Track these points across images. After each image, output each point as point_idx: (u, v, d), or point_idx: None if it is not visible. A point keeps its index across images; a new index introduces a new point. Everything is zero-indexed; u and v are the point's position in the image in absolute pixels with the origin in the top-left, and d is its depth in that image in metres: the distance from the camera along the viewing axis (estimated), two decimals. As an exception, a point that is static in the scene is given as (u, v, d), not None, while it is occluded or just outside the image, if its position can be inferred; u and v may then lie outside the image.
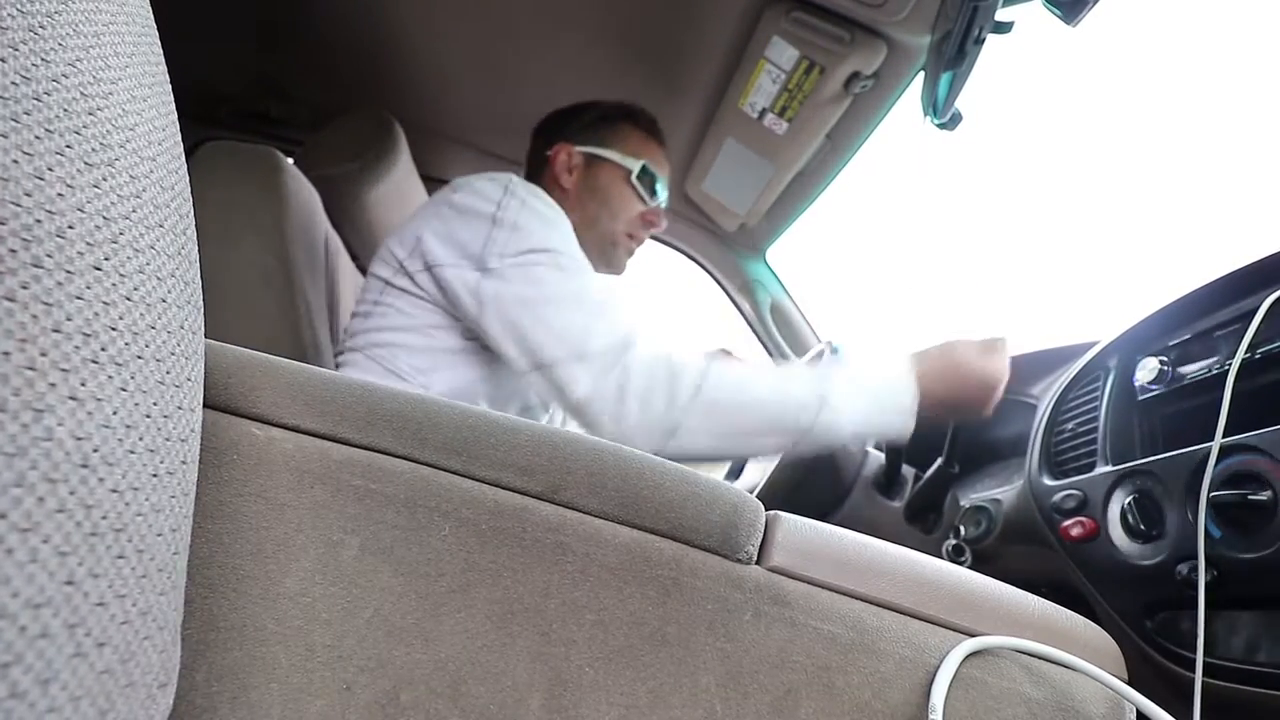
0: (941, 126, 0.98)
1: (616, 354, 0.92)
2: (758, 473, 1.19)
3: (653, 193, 1.23)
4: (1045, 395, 1.01)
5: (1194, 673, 0.63)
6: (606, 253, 1.24)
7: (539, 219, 1.01)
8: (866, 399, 0.94)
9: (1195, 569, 0.61)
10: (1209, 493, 0.63)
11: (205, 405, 0.41)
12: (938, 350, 0.99)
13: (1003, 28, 0.86)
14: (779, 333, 1.77)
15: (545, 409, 1.24)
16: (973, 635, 0.47)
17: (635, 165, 1.21)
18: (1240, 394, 0.65)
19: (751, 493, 0.92)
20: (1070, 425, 0.91)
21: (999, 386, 0.97)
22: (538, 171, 1.25)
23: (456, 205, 1.03)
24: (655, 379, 0.91)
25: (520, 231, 0.99)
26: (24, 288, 0.23)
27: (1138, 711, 0.47)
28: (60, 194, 0.25)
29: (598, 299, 0.96)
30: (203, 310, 0.37)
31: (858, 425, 0.94)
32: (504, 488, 0.44)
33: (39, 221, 0.24)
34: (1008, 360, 0.98)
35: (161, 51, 0.36)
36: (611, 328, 0.94)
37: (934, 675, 0.45)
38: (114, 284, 0.27)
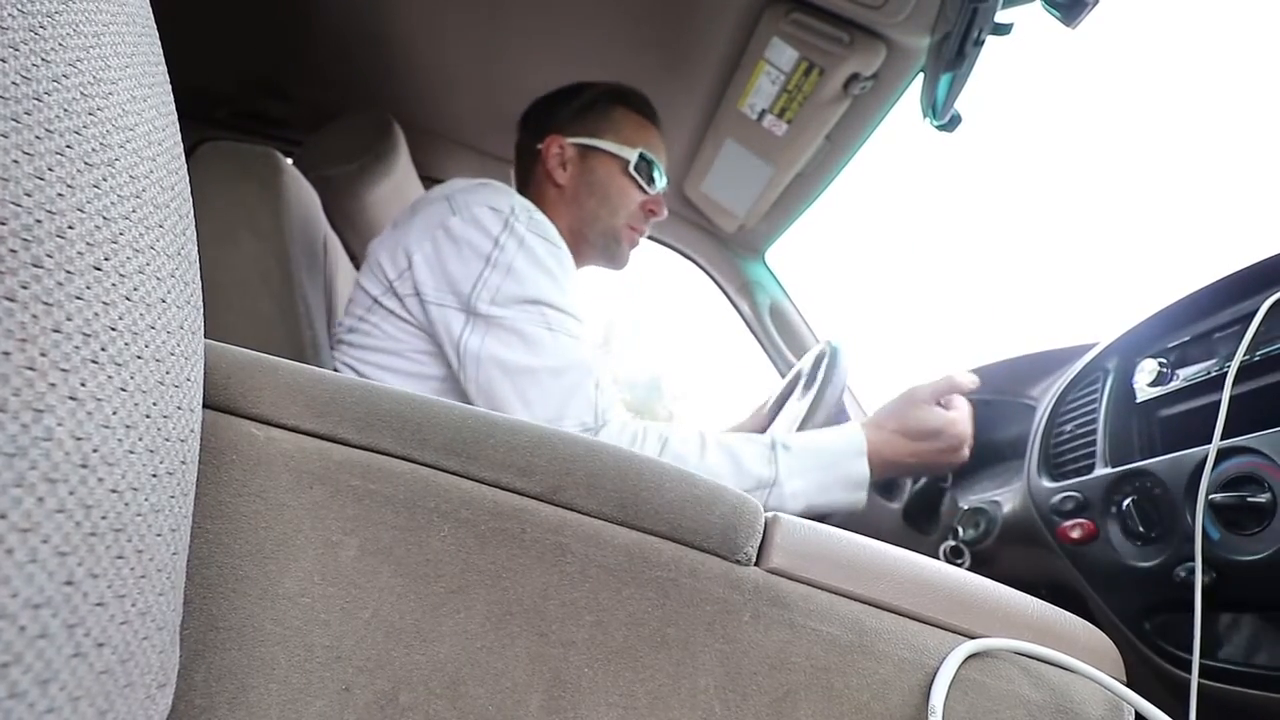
0: (941, 128, 0.98)
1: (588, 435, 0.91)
2: None
3: (651, 180, 1.18)
4: (1044, 397, 1.01)
5: (1189, 674, 0.63)
6: (609, 249, 1.20)
7: (536, 265, 0.97)
8: (818, 476, 0.94)
9: (1193, 570, 0.62)
10: (1208, 495, 0.63)
11: (204, 405, 0.41)
12: (890, 412, 0.99)
13: (1002, 29, 0.86)
14: (778, 334, 1.77)
15: None
16: (972, 637, 0.47)
17: (632, 155, 1.15)
18: (1240, 396, 0.66)
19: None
20: (1069, 427, 0.91)
21: (956, 436, 0.97)
22: (529, 166, 1.21)
23: (453, 234, 0.98)
24: None
25: (514, 276, 0.95)
26: (24, 288, 0.23)
27: (1136, 713, 0.47)
28: (60, 194, 0.25)
29: (577, 366, 0.94)
30: (202, 310, 0.37)
31: (809, 500, 0.94)
32: (503, 489, 0.44)
33: (39, 221, 0.24)
34: (965, 408, 0.99)
35: (161, 51, 0.36)
36: (585, 405, 0.92)
37: (933, 677, 0.45)
38: (114, 284, 0.27)
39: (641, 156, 1.16)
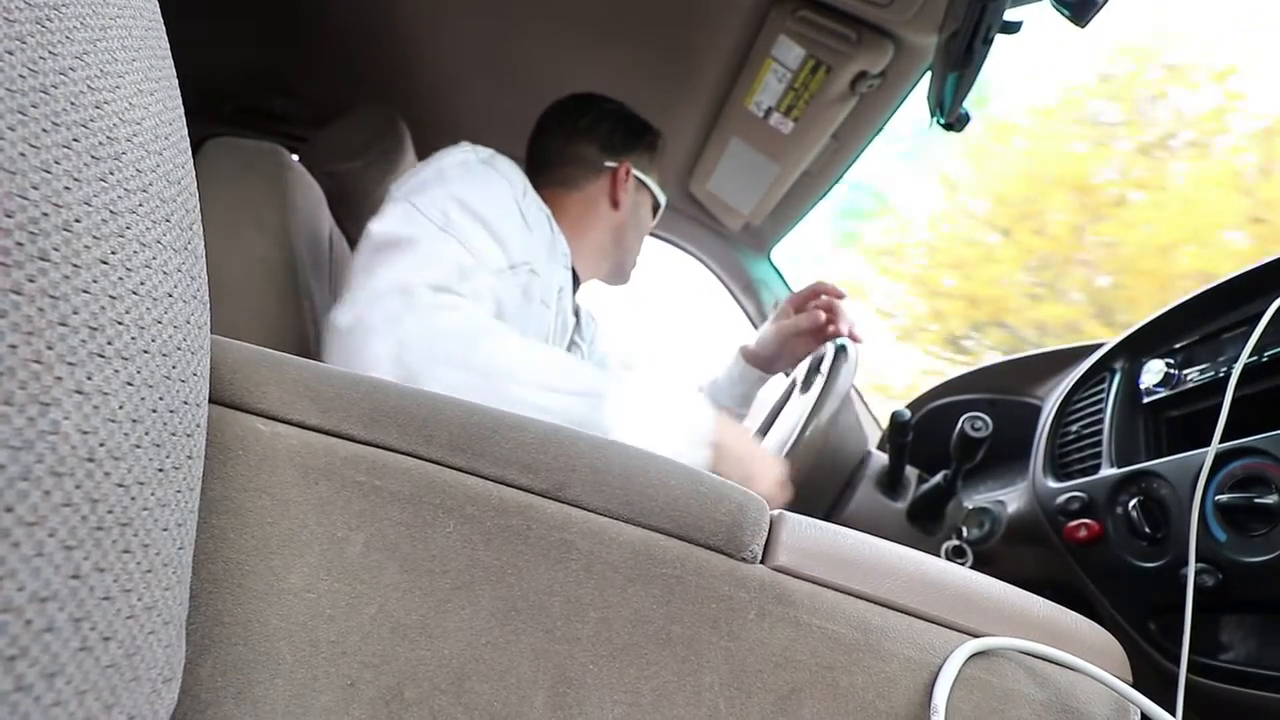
0: (948, 127, 0.98)
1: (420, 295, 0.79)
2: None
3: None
4: (1050, 396, 1.01)
5: (1198, 676, 0.62)
6: (626, 268, 1.26)
7: (469, 174, 0.94)
8: (656, 413, 0.88)
9: (1198, 572, 0.61)
10: (1214, 496, 0.63)
11: (210, 400, 0.41)
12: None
13: (1011, 28, 0.85)
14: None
15: None
16: (977, 636, 0.47)
17: (664, 199, 1.24)
18: (1248, 397, 0.65)
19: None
20: (1075, 427, 0.91)
21: (774, 478, 0.91)
22: (584, 176, 1.17)
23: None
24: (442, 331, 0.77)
25: (440, 176, 0.93)
26: (30, 281, 0.23)
27: (1141, 713, 0.47)
28: (67, 187, 0.25)
29: (446, 250, 0.83)
30: (209, 305, 0.37)
31: (641, 434, 0.85)
32: (508, 485, 0.44)
33: (46, 215, 0.24)
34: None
35: (168, 46, 0.36)
36: (431, 273, 0.80)
37: (937, 675, 0.45)
38: (120, 278, 0.27)
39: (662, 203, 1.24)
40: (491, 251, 0.88)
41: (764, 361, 1.28)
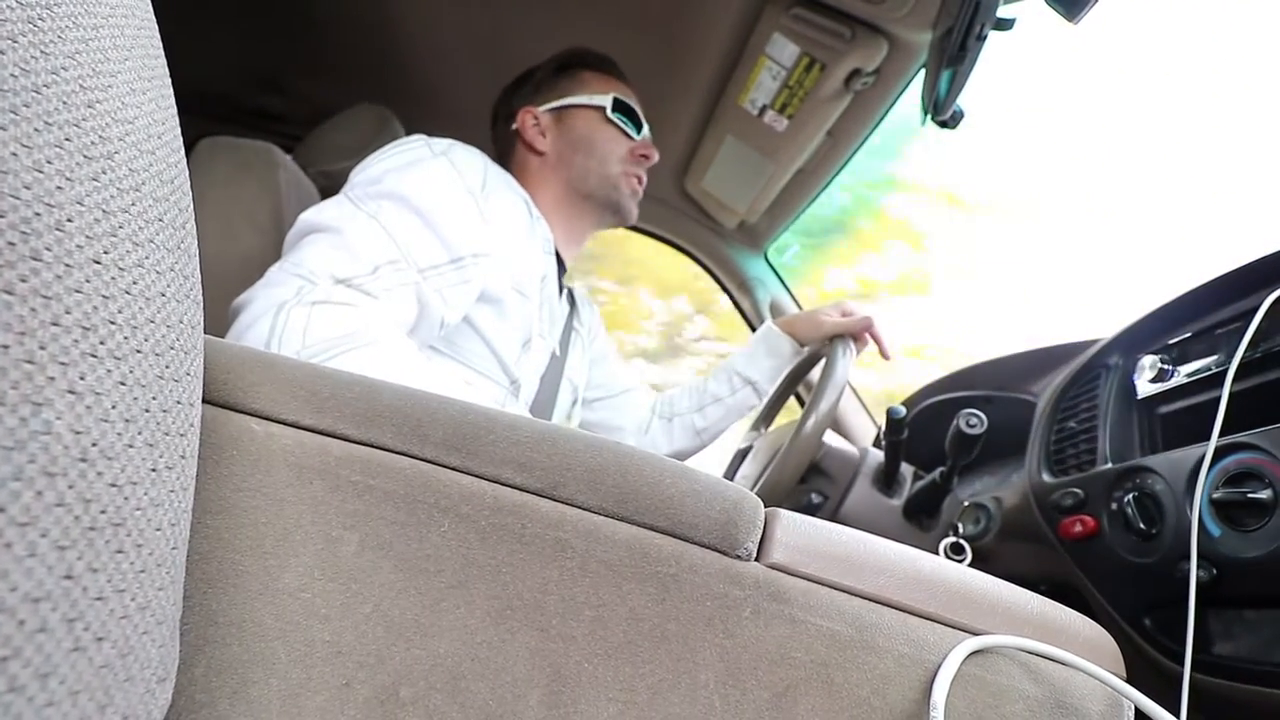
0: (942, 124, 0.98)
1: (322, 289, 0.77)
2: (756, 468, 1.19)
3: (633, 125, 1.16)
4: (1045, 393, 1.01)
5: (1191, 671, 0.63)
6: (612, 199, 1.16)
7: (411, 165, 0.91)
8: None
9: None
10: (1209, 491, 0.63)
11: (204, 401, 0.41)
12: None
13: (1004, 24, 0.85)
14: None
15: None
16: (972, 632, 0.47)
17: (606, 100, 1.14)
18: (1243, 392, 0.66)
19: (750, 489, 0.92)
20: (1071, 423, 0.91)
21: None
22: (508, 150, 1.19)
23: None
24: (320, 329, 0.73)
25: (387, 168, 0.90)
26: (23, 280, 0.23)
27: (1136, 709, 0.47)
28: (59, 187, 0.25)
29: (357, 239, 0.81)
30: (202, 305, 0.37)
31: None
32: (503, 484, 0.44)
33: (38, 214, 0.24)
34: None
35: (161, 45, 0.35)
36: (318, 263, 0.78)
37: (934, 673, 0.45)
38: (113, 277, 0.27)
39: (616, 100, 1.14)
40: (424, 246, 0.87)
41: (796, 329, 1.26)
